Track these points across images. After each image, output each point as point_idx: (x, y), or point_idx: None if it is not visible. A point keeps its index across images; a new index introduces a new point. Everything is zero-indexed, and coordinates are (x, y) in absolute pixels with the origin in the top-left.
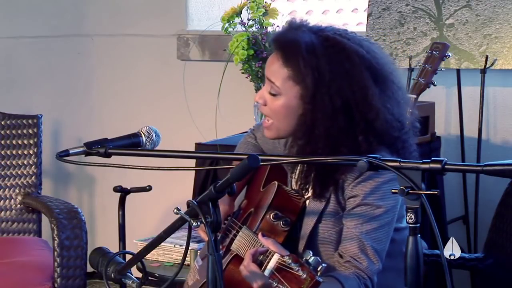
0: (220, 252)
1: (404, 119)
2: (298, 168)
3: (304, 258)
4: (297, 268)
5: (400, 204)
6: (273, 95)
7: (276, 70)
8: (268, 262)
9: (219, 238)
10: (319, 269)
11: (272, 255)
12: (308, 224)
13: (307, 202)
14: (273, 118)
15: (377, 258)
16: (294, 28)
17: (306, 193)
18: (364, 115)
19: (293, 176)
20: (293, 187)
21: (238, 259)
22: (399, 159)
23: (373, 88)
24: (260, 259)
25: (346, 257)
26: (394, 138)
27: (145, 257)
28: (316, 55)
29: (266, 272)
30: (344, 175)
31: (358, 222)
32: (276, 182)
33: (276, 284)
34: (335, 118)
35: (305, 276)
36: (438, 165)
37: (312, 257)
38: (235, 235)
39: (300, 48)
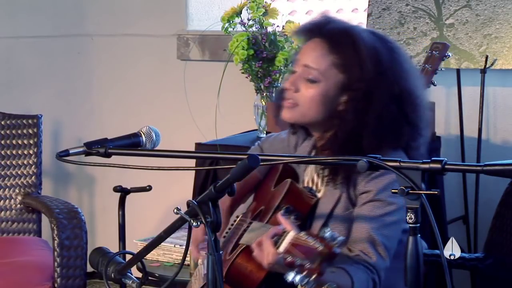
0: (220, 252)
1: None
2: (310, 167)
3: (320, 234)
4: (313, 242)
5: None
6: (311, 81)
7: (318, 56)
8: (283, 240)
9: (227, 235)
10: (336, 241)
11: (288, 233)
12: (317, 223)
13: (319, 201)
14: (302, 103)
15: (386, 254)
16: (336, 19)
17: (318, 193)
18: (411, 108)
19: (306, 173)
20: (305, 186)
21: (246, 253)
22: (399, 159)
23: (417, 83)
24: (275, 239)
25: (356, 251)
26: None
27: (145, 257)
28: (374, 44)
29: (281, 248)
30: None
31: (369, 217)
32: (289, 180)
33: (291, 258)
34: (388, 106)
35: (322, 248)
36: (438, 165)
37: (328, 232)
38: (244, 230)
39: (356, 37)
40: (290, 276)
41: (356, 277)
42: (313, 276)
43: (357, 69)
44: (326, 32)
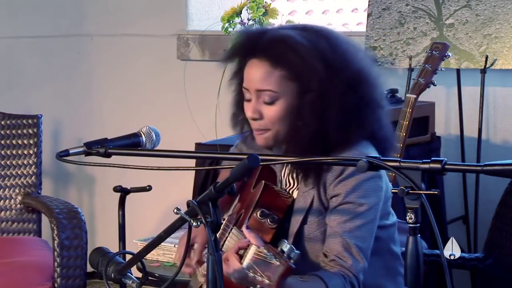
0: (220, 252)
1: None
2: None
3: (280, 248)
4: (272, 257)
5: (384, 201)
6: (270, 103)
7: (264, 77)
8: (247, 255)
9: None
10: (292, 255)
11: (250, 247)
12: (294, 223)
13: (295, 202)
14: (271, 127)
15: (361, 256)
16: (261, 32)
17: (293, 191)
18: (365, 87)
19: (283, 174)
20: (282, 186)
21: None
22: (399, 159)
23: (365, 66)
24: (241, 253)
25: (331, 256)
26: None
27: (145, 257)
28: (311, 42)
29: (244, 264)
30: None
31: (341, 220)
32: (263, 181)
33: (253, 275)
34: (345, 95)
35: (278, 263)
36: (438, 165)
37: (287, 246)
38: (226, 237)
39: (291, 42)
40: None
41: (331, 283)
42: None
43: (305, 72)
44: (260, 50)
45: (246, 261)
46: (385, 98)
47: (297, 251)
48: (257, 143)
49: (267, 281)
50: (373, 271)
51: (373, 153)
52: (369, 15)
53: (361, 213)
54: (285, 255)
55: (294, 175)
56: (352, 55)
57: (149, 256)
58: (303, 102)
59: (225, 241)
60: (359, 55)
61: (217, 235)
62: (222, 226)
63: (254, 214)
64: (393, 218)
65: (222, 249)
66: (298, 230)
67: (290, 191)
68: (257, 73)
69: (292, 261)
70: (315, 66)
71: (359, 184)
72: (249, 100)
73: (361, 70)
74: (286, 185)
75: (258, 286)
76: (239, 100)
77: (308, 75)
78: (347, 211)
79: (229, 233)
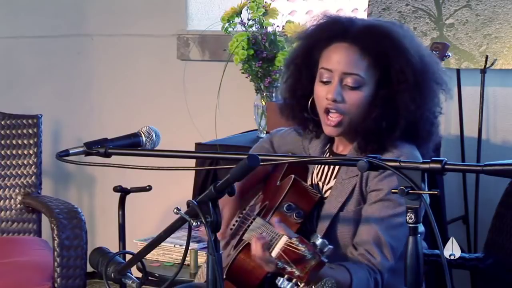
0: (221, 252)
1: None
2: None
3: (312, 241)
4: (304, 249)
5: None
6: (355, 88)
7: (355, 61)
8: (276, 244)
9: (234, 228)
10: (325, 250)
11: (281, 237)
12: (331, 209)
13: (325, 201)
14: (350, 113)
15: (391, 255)
16: (348, 20)
17: (328, 182)
18: (430, 93)
19: (316, 168)
20: (313, 182)
21: (249, 249)
22: (399, 159)
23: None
24: (269, 242)
25: (361, 249)
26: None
27: (145, 257)
28: (405, 38)
29: (273, 253)
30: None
31: (379, 216)
32: (292, 175)
33: (282, 265)
34: (434, 90)
35: (310, 256)
36: (438, 165)
37: (320, 239)
38: (248, 226)
39: (387, 33)
40: (280, 282)
41: (356, 275)
42: (301, 285)
43: (402, 61)
44: (352, 35)
45: (276, 250)
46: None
47: (330, 246)
48: (327, 130)
49: (297, 273)
50: (392, 273)
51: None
52: (369, 15)
53: (399, 213)
54: (317, 248)
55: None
56: (426, 55)
57: (149, 256)
58: (381, 92)
59: (246, 230)
60: (430, 56)
61: (238, 221)
62: (244, 213)
63: (281, 207)
64: None
65: (243, 238)
66: (328, 229)
67: (323, 181)
68: (347, 57)
69: (324, 256)
70: (411, 60)
71: None
72: (326, 82)
73: (436, 71)
74: (319, 175)
75: (285, 277)
76: (297, 86)
77: (402, 67)
78: (386, 208)
79: (251, 222)
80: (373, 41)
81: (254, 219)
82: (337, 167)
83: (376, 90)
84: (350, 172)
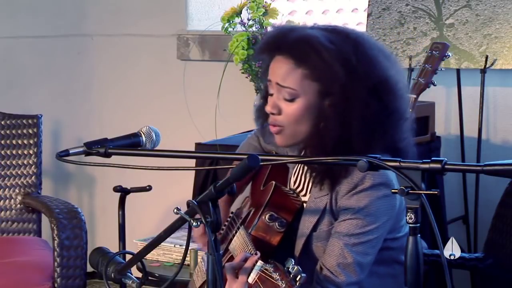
0: (220, 252)
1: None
2: (297, 166)
3: (286, 267)
4: (277, 277)
5: (395, 216)
6: (289, 100)
7: (286, 73)
8: (253, 270)
9: (223, 232)
10: (298, 279)
11: (256, 262)
12: (304, 228)
13: (305, 205)
14: (288, 125)
15: (357, 271)
16: (289, 29)
17: (304, 194)
18: (391, 96)
19: (295, 171)
20: (291, 186)
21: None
22: (399, 159)
23: (392, 75)
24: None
25: (325, 270)
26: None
27: (145, 257)
28: (336, 45)
29: (250, 279)
30: (340, 183)
31: (346, 234)
32: (273, 182)
33: None
34: (369, 102)
35: (284, 286)
36: (438, 165)
37: (295, 267)
38: (233, 235)
39: (315, 43)
40: None
41: None
42: None
43: (327, 75)
44: (285, 47)
45: (252, 276)
46: (409, 110)
47: (304, 274)
48: (275, 141)
49: None
50: (380, 280)
51: None
52: (369, 15)
53: (369, 231)
54: (291, 276)
55: (308, 176)
56: (380, 62)
57: (149, 256)
58: (323, 104)
59: (231, 238)
60: (387, 63)
61: (226, 225)
62: (230, 217)
63: (263, 217)
64: (406, 229)
65: (229, 248)
66: (308, 236)
67: (299, 190)
68: (280, 69)
69: (297, 285)
70: (336, 70)
71: (372, 202)
72: (272, 95)
73: (387, 78)
74: (297, 183)
75: None
76: (266, 95)
77: (329, 79)
78: (355, 226)
79: (236, 231)
80: (302, 52)
81: (238, 228)
82: (311, 182)
83: (319, 101)
84: (321, 191)
